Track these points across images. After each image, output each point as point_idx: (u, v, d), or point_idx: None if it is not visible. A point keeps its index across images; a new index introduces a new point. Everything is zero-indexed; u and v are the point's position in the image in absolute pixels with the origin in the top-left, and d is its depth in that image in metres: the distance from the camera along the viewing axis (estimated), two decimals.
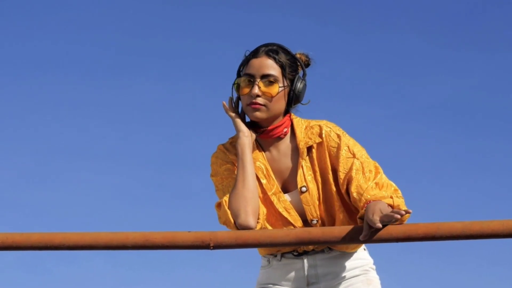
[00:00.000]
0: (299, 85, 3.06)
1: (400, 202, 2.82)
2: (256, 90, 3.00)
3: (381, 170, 2.97)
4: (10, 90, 8.38)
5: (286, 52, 3.06)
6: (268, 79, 3.01)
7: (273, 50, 3.05)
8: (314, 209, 3.01)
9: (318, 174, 3.04)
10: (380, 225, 2.67)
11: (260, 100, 3.00)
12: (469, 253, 7.28)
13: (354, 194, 2.91)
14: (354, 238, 2.77)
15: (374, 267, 3.14)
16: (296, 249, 3.06)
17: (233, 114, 3.06)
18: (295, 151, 3.07)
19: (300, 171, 3.03)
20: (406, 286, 6.94)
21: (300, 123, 3.10)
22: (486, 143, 8.20)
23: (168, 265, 7.33)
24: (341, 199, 3.02)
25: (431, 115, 8.36)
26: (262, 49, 3.05)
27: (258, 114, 3.01)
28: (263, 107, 3.01)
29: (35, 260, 8.03)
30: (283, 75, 3.04)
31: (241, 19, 8.48)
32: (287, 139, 3.10)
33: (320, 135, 3.04)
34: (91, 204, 7.96)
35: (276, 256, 3.11)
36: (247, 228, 2.87)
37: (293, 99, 3.07)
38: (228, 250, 2.82)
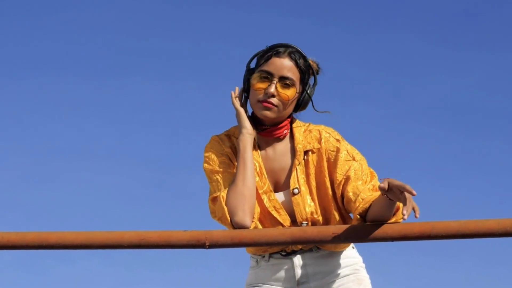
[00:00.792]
0: (310, 92, 3.07)
1: (401, 206, 2.84)
2: (272, 89, 2.98)
3: (376, 175, 2.98)
4: (8, 90, 8.39)
5: (304, 58, 3.05)
6: (286, 82, 3.00)
7: (295, 53, 3.03)
8: (304, 212, 3.00)
9: (311, 177, 3.03)
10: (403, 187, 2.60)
11: (274, 100, 2.99)
12: (465, 253, 7.29)
13: (350, 194, 2.91)
14: (349, 237, 2.77)
15: (363, 265, 3.14)
16: (284, 249, 3.05)
17: (239, 107, 3.05)
18: (291, 153, 3.07)
19: (294, 173, 3.02)
20: (400, 286, 6.95)
21: (299, 126, 3.10)
22: (483, 143, 8.21)
23: (164, 265, 7.33)
24: (336, 203, 3.02)
25: (429, 114, 8.37)
26: (285, 49, 3.03)
27: (268, 113, 3.00)
28: (275, 108, 3.00)
29: (32, 259, 8.03)
30: (301, 80, 3.04)
31: (239, 19, 8.48)
32: (285, 140, 3.09)
33: (319, 141, 3.04)
34: (88, 203, 7.97)
35: (264, 256, 3.09)
36: (243, 227, 2.86)
37: (301, 105, 3.07)
38: (223, 249, 2.82)
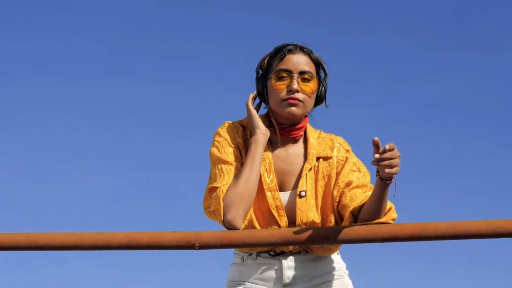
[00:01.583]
0: (325, 85, 3.09)
1: (392, 207, 2.88)
2: (295, 85, 2.99)
3: None
4: None
5: (313, 52, 3.07)
6: (306, 76, 3.01)
7: (306, 48, 3.06)
8: (306, 216, 3.00)
9: (318, 184, 3.03)
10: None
11: (299, 95, 2.99)
12: (455, 253, 7.31)
13: (347, 199, 2.93)
14: (339, 239, 2.77)
15: (347, 272, 3.15)
16: (274, 249, 3.04)
17: (253, 109, 3.04)
18: (303, 156, 3.07)
19: (304, 176, 3.02)
20: (389, 287, 6.96)
21: (312, 131, 3.12)
22: (474, 143, 8.23)
23: (154, 266, 7.32)
24: (335, 213, 3.02)
25: (419, 115, 8.38)
26: (294, 46, 3.05)
27: (295, 109, 3.00)
28: (301, 103, 3.00)
29: (23, 260, 8.01)
30: (317, 72, 3.06)
31: (231, 20, 8.48)
32: (299, 143, 3.10)
33: (332, 149, 3.06)
34: (78, 204, 7.95)
35: (251, 254, 3.07)
36: (232, 227, 2.85)
37: (320, 99, 3.08)
38: (213, 250, 2.82)
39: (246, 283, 3.08)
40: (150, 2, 8.59)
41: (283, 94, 3.00)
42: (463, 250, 7.30)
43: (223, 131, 3.07)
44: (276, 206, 3.01)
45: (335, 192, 3.00)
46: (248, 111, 3.05)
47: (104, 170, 8.13)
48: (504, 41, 8.50)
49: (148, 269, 7.26)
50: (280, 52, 3.05)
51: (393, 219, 2.87)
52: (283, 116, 3.03)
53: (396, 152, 2.66)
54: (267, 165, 3.02)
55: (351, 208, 2.89)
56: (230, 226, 2.86)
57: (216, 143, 3.05)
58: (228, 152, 3.01)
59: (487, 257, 7.31)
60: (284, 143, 3.08)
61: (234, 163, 2.99)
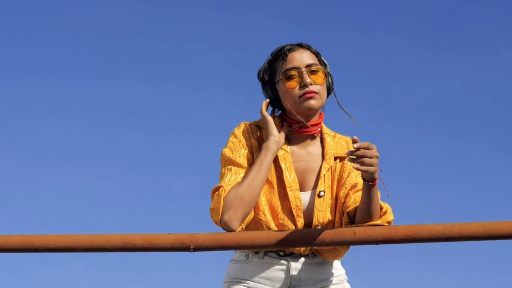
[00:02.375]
0: (331, 75, 3.10)
1: (389, 210, 2.89)
2: (307, 79, 3.00)
3: (379, 193, 2.99)
4: None
5: (311, 46, 3.10)
6: (313, 68, 3.02)
7: (304, 43, 3.08)
8: (323, 216, 3.00)
9: (334, 184, 3.04)
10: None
11: (313, 88, 3.00)
12: (450, 255, 7.31)
13: (351, 201, 2.95)
14: (334, 240, 2.77)
15: (346, 277, 3.16)
16: (283, 249, 3.03)
17: (267, 115, 3.04)
18: (320, 155, 3.08)
19: (322, 176, 3.03)
20: None
21: (328, 131, 3.13)
22: (468, 145, 8.24)
23: (148, 268, 7.31)
24: (340, 214, 3.03)
25: (413, 117, 8.39)
26: (292, 45, 3.07)
27: (313, 102, 3.00)
28: (317, 95, 3.00)
29: (17, 262, 8.00)
30: (320, 63, 3.07)
31: (223, 21, 8.48)
32: (316, 143, 3.10)
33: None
34: (72, 206, 7.95)
35: (257, 253, 3.06)
36: (228, 228, 2.84)
37: (329, 89, 3.09)
38: (208, 252, 2.82)
39: (248, 281, 3.07)
40: (144, 4, 8.59)
41: (297, 91, 3.01)
42: (458, 252, 7.32)
43: (238, 132, 3.08)
44: (297, 206, 3.00)
45: (341, 193, 3.01)
46: (263, 117, 3.05)
47: (98, 172, 8.13)
48: (498, 42, 8.52)
49: (143, 271, 7.26)
50: (280, 54, 3.06)
51: (388, 222, 2.87)
52: (301, 114, 3.03)
53: (370, 152, 2.70)
54: (287, 164, 3.02)
55: (348, 208, 2.90)
56: (226, 227, 2.84)
57: (230, 144, 3.06)
58: (240, 154, 3.01)
59: (482, 259, 7.33)
60: (302, 142, 3.09)
61: (244, 165, 2.99)
